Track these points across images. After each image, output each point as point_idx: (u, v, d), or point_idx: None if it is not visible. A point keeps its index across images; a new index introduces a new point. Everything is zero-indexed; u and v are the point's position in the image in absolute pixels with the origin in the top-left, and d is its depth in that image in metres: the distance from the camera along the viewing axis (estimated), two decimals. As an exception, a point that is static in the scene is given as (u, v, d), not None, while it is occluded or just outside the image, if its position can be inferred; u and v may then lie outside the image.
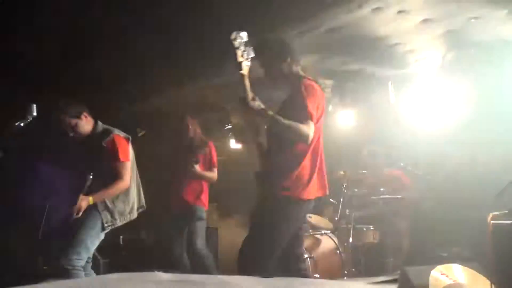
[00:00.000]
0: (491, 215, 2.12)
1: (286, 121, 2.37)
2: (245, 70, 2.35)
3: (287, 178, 2.44)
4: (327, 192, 2.63)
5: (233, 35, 2.32)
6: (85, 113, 3.15)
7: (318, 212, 4.67)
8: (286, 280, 1.85)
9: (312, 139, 2.43)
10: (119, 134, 3.12)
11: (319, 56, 4.26)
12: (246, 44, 2.34)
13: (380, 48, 4.18)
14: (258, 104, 2.38)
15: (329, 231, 4.34)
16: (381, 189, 4.59)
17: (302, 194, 2.47)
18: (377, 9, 3.38)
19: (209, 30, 3.33)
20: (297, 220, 2.58)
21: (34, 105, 3.05)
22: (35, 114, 3.02)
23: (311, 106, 2.41)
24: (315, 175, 2.52)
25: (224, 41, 2.37)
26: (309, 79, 2.57)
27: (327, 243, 4.17)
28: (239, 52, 2.32)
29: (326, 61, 4.41)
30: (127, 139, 3.17)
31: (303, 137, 2.39)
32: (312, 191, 2.51)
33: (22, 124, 3.02)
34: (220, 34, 2.38)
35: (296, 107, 2.43)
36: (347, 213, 4.42)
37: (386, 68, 4.79)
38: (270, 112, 2.38)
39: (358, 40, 3.97)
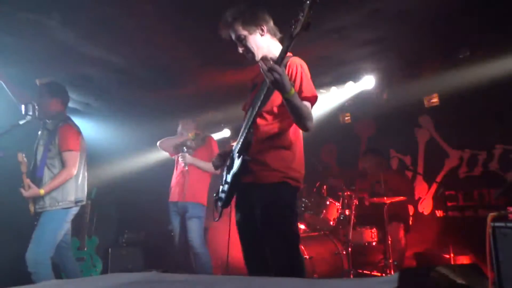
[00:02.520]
0: (491, 215, 2.11)
1: (303, 102, 2.07)
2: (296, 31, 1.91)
3: (280, 165, 2.17)
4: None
5: None
6: (58, 98, 3.33)
7: (317, 212, 4.66)
8: (286, 280, 1.84)
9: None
10: (71, 125, 3.31)
11: (319, 55, 4.25)
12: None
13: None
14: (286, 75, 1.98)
15: (328, 231, 4.33)
16: (381, 189, 4.58)
17: (297, 181, 2.21)
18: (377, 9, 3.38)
19: (209, 30, 3.33)
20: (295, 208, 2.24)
21: (34, 105, 3.08)
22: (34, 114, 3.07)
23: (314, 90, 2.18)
24: (303, 166, 2.28)
25: (223, 41, 2.36)
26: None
27: (327, 243, 4.16)
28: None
29: (326, 60, 4.40)
30: (79, 132, 3.34)
31: (310, 124, 2.10)
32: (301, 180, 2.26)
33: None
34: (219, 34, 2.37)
35: (300, 88, 2.14)
36: (347, 213, 4.42)
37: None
38: (292, 87, 2.02)
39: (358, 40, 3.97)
